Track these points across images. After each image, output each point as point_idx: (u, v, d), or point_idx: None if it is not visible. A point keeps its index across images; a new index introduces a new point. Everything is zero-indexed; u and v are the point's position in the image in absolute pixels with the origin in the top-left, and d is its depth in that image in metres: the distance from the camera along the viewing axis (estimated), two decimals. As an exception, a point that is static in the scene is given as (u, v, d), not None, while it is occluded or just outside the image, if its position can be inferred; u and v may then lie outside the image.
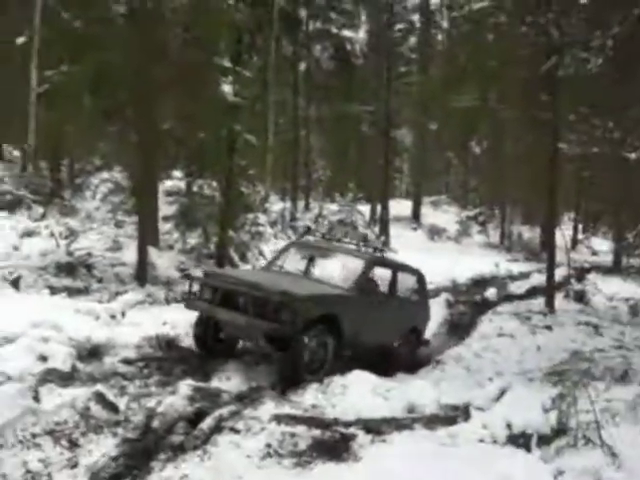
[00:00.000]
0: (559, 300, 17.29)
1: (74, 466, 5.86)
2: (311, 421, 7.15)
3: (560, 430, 6.71)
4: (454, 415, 7.86)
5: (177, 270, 15.61)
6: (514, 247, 35.47)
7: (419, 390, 8.60)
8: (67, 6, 16.41)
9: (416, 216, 40.55)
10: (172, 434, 6.63)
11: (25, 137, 22.66)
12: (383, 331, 10.79)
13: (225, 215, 16.46)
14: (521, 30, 16.08)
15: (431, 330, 13.22)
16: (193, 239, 17.51)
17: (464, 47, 20.95)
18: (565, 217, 37.87)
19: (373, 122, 39.02)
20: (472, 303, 18.22)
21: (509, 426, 6.94)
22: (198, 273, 13.46)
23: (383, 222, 32.83)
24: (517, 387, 8.29)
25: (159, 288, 14.16)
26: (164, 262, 15.65)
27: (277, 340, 9.03)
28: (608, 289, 19.78)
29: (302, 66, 38.02)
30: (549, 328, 14.56)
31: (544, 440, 6.69)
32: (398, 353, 11.31)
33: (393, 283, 11.37)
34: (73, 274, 13.85)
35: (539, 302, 17.17)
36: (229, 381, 8.83)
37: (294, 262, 11.29)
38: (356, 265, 10.65)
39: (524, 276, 24.90)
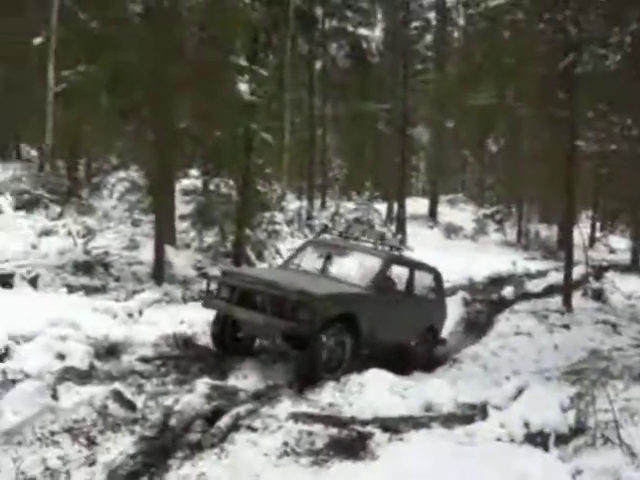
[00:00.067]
0: (577, 298, 17.20)
1: (92, 464, 5.88)
2: (328, 419, 7.15)
3: (578, 429, 6.68)
4: (471, 414, 7.83)
5: (194, 269, 15.65)
6: (531, 245, 35.30)
7: (436, 389, 8.57)
8: (84, 6, 16.53)
9: (433, 214, 40.46)
10: (189, 432, 6.64)
11: (42, 136, 22.78)
12: (400, 330, 10.77)
13: (242, 214, 16.48)
14: (538, 27, 15.96)
15: (448, 329, 13.18)
16: (210, 238, 17.53)
17: (480, 44, 20.88)
18: (583, 215, 37.64)
19: (389, 120, 38.98)
20: (489, 301, 18.15)
21: (527, 425, 6.91)
22: (215, 272, 13.51)
23: (400, 220, 32.80)
24: (535, 386, 8.23)
25: (176, 287, 14.21)
26: (181, 261, 15.68)
27: (295, 339, 9.03)
28: (626, 287, 19.66)
29: (318, 65, 38.01)
30: (567, 327, 14.48)
31: (562, 439, 6.66)
32: (415, 352, 11.29)
33: (410, 282, 11.34)
34: (90, 273, 13.92)
35: (556, 300, 17.08)
36: (246, 379, 8.84)
37: (311, 261, 11.28)
38: (373, 264, 10.63)
39: (541, 274, 24.79)
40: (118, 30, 15.17)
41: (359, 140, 43.23)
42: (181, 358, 9.52)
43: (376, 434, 6.86)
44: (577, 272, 19.36)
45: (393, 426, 7.10)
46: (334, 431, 6.81)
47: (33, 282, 12.38)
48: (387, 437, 6.81)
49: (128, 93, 15.53)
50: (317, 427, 6.82)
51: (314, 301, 8.89)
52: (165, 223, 15.35)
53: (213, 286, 10.13)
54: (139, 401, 7.27)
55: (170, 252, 15.40)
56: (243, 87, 15.53)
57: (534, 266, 26.61)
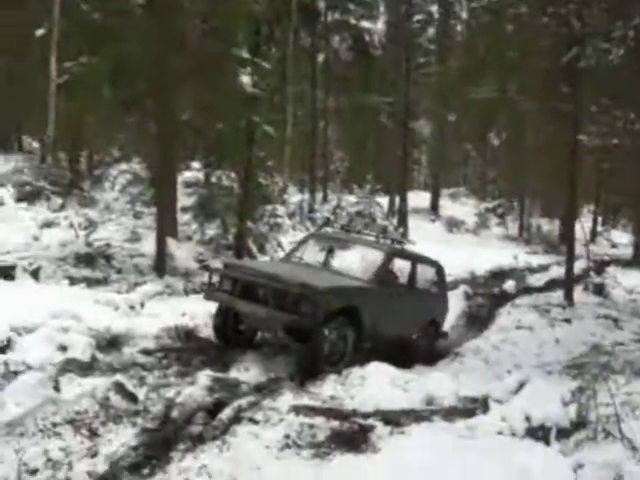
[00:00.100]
0: (578, 293, 17.20)
1: (94, 455, 5.89)
2: (330, 412, 7.16)
3: (579, 423, 6.67)
4: (473, 407, 7.83)
5: (195, 261, 15.67)
6: (533, 239, 35.30)
7: (438, 382, 8.57)
8: (86, -2, 16.47)
9: (434, 208, 40.45)
10: (191, 424, 6.65)
11: (44, 128, 22.78)
12: (402, 323, 10.77)
13: (243, 206, 16.48)
14: (542, 21, 15.92)
15: (449, 322, 13.18)
16: (211, 230, 17.54)
17: (483, 38, 20.85)
18: (584, 209, 37.60)
19: (391, 113, 38.96)
20: (490, 295, 18.16)
21: (528, 419, 6.91)
22: (217, 264, 13.51)
23: (401, 214, 32.76)
24: (536, 380, 8.22)
25: (178, 279, 14.22)
26: (183, 253, 15.69)
27: (297, 332, 9.04)
28: (628, 282, 19.63)
29: (320, 57, 37.98)
30: (568, 321, 14.48)
31: (563, 433, 6.66)
32: (417, 345, 11.29)
33: (412, 275, 11.32)
34: (92, 265, 13.93)
35: (558, 295, 17.08)
36: (248, 372, 8.84)
37: (313, 254, 11.27)
38: (375, 257, 10.62)
39: (543, 269, 24.79)
40: (120, 22, 15.16)
41: (361, 133, 43.18)
42: (183, 350, 9.53)
43: (377, 427, 6.86)
44: (579, 266, 19.36)
45: (394, 419, 7.10)
46: (335, 424, 6.82)
47: (35, 274, 12.40)
48: (388, 430, 6.81)
49: (130, 85, 15.52)
50: (318, 420, 6.83)
51: (316, 294, 8.89)
52: (167, 215, 15.36)
53: (215, 278, 10.12)
54: (141, 393, 7.28)
55: (172, 244, 15.41)
56: (245, 79, 15.52)
57: (536, 260, 26.62)
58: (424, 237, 27.37)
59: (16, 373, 7.33)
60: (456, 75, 24.52)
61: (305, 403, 7.39)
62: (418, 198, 39.64)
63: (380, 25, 44.00)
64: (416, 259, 11.62)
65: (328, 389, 8.25)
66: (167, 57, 14.01)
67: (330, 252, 11.26)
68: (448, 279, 13.27)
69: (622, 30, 14.22)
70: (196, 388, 7.38)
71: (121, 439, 6.22)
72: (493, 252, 26.40)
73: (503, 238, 35.44)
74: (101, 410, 6.59)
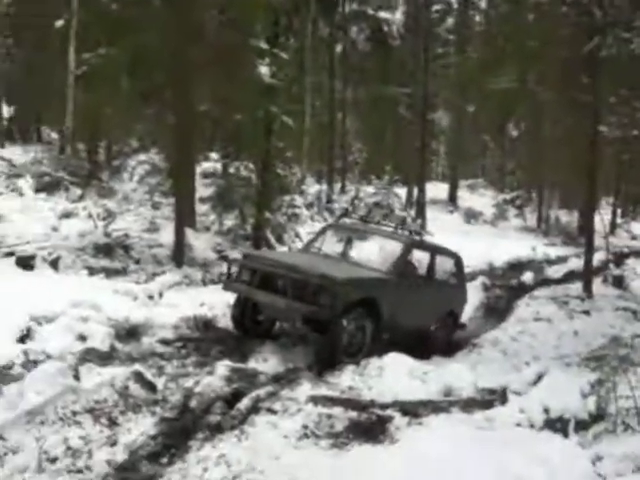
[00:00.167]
0: (597, 285, 17.05)
1: (113, 444, 5.94)
2: (348, 403, 7.17)
3: (598, 415, 6.64)
4: (491, 399, 7.82)
5: (214, 252, 15.68)
6: (551, 231, 35.06)
7: (456, 373, 8.57)
8: (104, -11, 16.51)
9: (452, 199, 40.24)
10: (209, 414, 6.69)
11: (63, 119, 22.89)
12: (420, 314, 10.75)
13: (261, 197, 16.50)
14: (562, 10, 15.78)
15: (467, 314, 13.15)
16: (230, 221, 17.56)
17: (503, 28, 20.71)
18: (603, 201, 37.30)
19: (410, 104, 38.71)
20: (509, 287, 18.05)
21: (546, 411, 6.89)
22: (235, 255, 13.55)
23: (419, 205, 32.61)
24: (554, 372, 8.19)
25: (196, 269, 14.25)
26: (201, 244, 15.72)
27: (315, 323, 9.05)
28: (647, 274, 19.47)
29: (338, 48, 37.81)
30: (587, 313, 14.37)
31: (582, 425, 6.63)
32: (435, 336, 11.27)
33: (431, 266, 11.28)
34: (111, 255, 13.99)
35: (577, 287, 16.95)
36: (266, 362, 8.87)
37: (332, 244, 11.28)
38: (394, 248, 10.61)
39: (561, 260, 24.59)
40: (138, 12, 15.20)
41: (379, 124, 42.97)
42: (201, 340, 9.57)
43: (395, 418, 6.87)
44: (597, 258, 19.19)
45: (412, 410, 7.10)
46: (354, 414, 6.84)
47: (54, 264, 12.47)
48: (406, 421, 6.82)
49: (148, 76, 15.55)
50: (337, 410, 6.84)
51: (335, 285, 8.90)
52: (185, 206, 15.37)
53: (234, 269, 10.15)
54: (160, 383, 7.33)
55: (190, 235, 15.44)
56: (263, 70, 15.53)
57: (554, 252, 26.43)
58: (442, 228, 27.26)
59: (36, 362, 7.41)
60: (475, 66, 24.40)
61: (323, 393, 7.41)
62: (436, 189, 39.44)
63: (398, 15, 43.67)
64: (435, 250, 11.59)
65: (346, 380, 8.26)
66: (185, 48, 14.01)
67: (348, 243, 11.27)
68: (466, 270, 13.23)
69: (643, 19, 14.09)
70: (214, 378, 7.42)
71: (140, 428, 6.26)
72: (511, 243, 26.24)
73: (521, 229, 35.23)
74: (120, 399, 6.63)
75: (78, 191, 19.34)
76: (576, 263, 21.60)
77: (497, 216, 36.09)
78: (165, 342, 9.21)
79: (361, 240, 11.19)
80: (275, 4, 16.81)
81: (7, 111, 30.95)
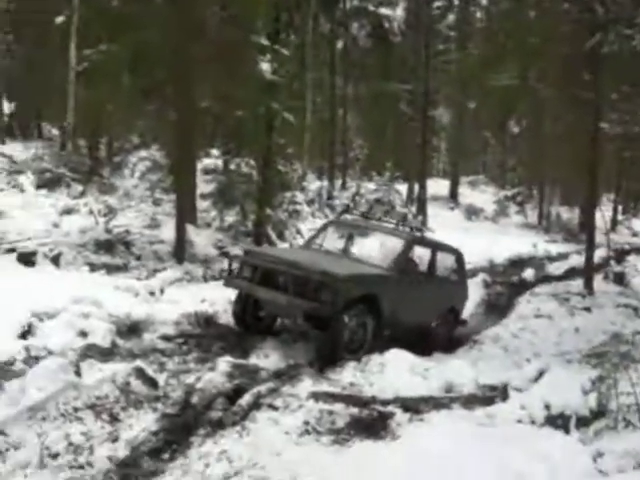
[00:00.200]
0: (598, 282, 17.05)
1: (115, 440, 5.95)
2: (349, 399, 7.18)
3: (599, 412, 6.65)
4: (492, 395, 7.83)
5: (215, 248, 15.68)
6: (552, 228, 35.04)
7: (457, 370, 8.58)
8: (105, -15, 16.50)
9: (453, 196, 40.21)
10: (211, 410, 6.70)
11: (64, 115, 22.87)
12: (422, 311, 10.74)
13: (263, 193, 16.49)
14: (564, 6, 15.76)
15: (468, 310, 13.15)
16: (231, 217, 17.57)
17: (504, 24, 20.64)
18: (605, 198, 37.28)
19: (411, 101, 38.65)
20: (509, 284, 18.06)
21: (547, 407, 6.90)
22: (236, 251, 13.55)
23: (420, 201, 32.57)
24: (555, 368, 8.20)
25: (197, 266, 14.25)
26: (202, 240, 15.73)
27: (317, 319, 9.05)
28: (649, 271, 19.46)
29: (339, 44, 37.75)
30: (588, 310, 14.37)
31: (583, 422, 6.64)
32: (436, 333, 11.27)
33: (432, 263, 11.29)
34: (112, 251, 13.99)
35: (578, 283, 16.94)
36: (267, 358, 8.88)
37: (333, 241, 11.28)
38: (395, 244, 10.61)
39: (562, 257, 24.59)
40: (139, 9, 15.19)
41: (380, 120, 42.89)
42: (202, 337, 9.58)
43: (397, 414, 6.88)
44: (599, 255, 19.20)
45: (414, 406, 7.12)
46: (355, 410, 6.85)
47: (55, 260, 12.47)
48: (408, 417, 6.84)
49: (149, 72, 15.55)
50: (338, 406, 6.85)
51: (336, 282, 8.90)
52: (186, 202, 15.37)
53: (235, 265, 10.15)
54: (161, 379, 7.34)
55: (191, 231, 15.44)
56: (265, 66, 15.51)
57: (555, 248, 26.44)
58: (443, 225, 27.27)
59: (37, 358, 7.42)
60: (476, 62, 24.30)
61: (324, 390, 7.42)
62: (437, 186, 39.41)
63: (399, 12, 43.57)
64: (436, 247, 11.61)
65: (347, 376, 8.27)
66: (186, 44, 14.00)
67: (350, 239, 11.27)
68: (467, 267, 13.23)
69: (645, 16, 14.07)
70: (216, 374, 7.43)
71: (142, 424, 6.28)
72: (512, 240, 26.25)
73: (522, 226, 35.22)
74: (122, 395, 6.65)
75: (79, 187, 19.34)
76: (577, 260, 21.62)
77: (498, 213, 36.09)
78: (166, 338, 9.22)
79: (362, 236, 11.19)
80: (276, 0, 16.77)
81: (8, 107, 30.85)
